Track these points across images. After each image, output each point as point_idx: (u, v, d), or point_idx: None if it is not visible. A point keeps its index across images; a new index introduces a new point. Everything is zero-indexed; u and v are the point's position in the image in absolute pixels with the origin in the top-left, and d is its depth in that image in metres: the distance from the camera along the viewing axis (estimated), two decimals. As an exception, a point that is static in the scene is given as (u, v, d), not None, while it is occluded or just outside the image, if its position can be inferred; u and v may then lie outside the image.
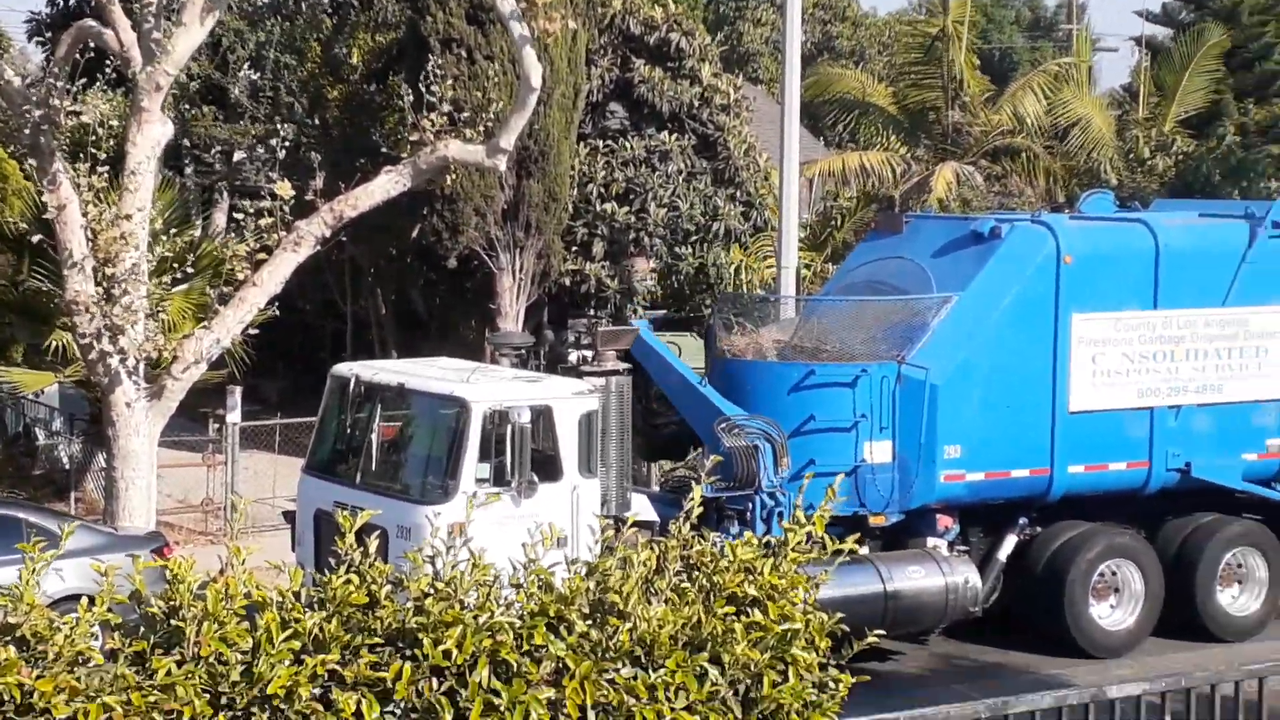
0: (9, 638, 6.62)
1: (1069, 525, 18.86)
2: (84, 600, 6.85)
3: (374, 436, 16.79)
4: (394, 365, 18.43)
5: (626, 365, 17.60)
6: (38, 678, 6.36)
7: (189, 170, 34.98)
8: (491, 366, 18.29)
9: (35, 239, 20.61)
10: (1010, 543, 18.78)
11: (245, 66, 34.86)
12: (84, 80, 20.02)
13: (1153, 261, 19.03)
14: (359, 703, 6.57)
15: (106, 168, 18.78)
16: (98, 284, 18.28)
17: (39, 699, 6.26)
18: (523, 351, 18.11)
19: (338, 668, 6.71)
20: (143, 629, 7.00)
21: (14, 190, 26.89)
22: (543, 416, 16.23)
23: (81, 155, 19.04)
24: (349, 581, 7.22)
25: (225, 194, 35.72)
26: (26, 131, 18.63)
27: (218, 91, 34.81)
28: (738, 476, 17.35)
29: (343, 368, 18.05)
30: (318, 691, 6.62)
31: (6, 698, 6.25)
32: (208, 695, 6.50)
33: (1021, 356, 18.40)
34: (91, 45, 19.03)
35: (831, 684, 7.55)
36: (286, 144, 27.45)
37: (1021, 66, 52.72)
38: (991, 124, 34.76)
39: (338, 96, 32.54)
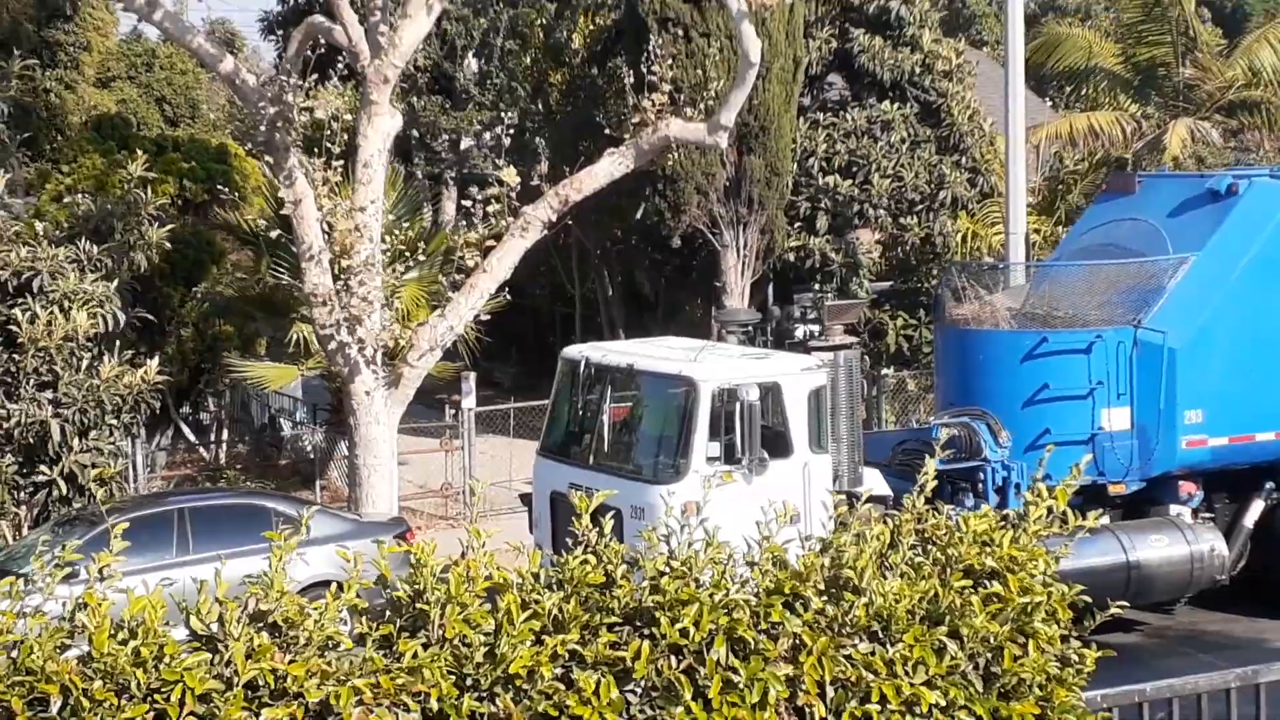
0: (261, 624, 6.82)
1: None
2: (332, 586, 7.03)
3: (605, 417, 16.87)
4: (623, 346, 18.55)
5: (854, 339, 17.47)
6: (290, 662, 6.54)
7: (418, 160, 35.65)
8: (719, 344, 18.26)
9: (274, 234, 21.18)
10: (1257, 509, 18.25)
11: (470, 55, 35.41)
12: (315, 76, 20.53)
13: None
14: (599, 682, 6.65)
15: (340, 162, 19.23)
16: (335, 276, 18.74)
17: (292, 683, 6.44)
18: (749, 328, 18.07)
19: (578, 647, 6.79)
20: (389, 613, 7.16)
21: (253, 188, 27.74)
22: (771, 393, 16.18)
23: (315, 150, 19.51)
24: (586, 562, 7.30)
25: (453, 182, 36.34)
26: (262, 129, 19.13)
27: (444, 81, 35.42)
28: (964, 450, 17.20)
29: (572, 350, 18.16)
30: (559, 671, 6.71)
31: (261, 682, 6.45)
32: (453, 677, 6.62)
33: (1263, 317, 17.88)
34: (321, 41, 19.47)
35: (1075, 657, 7.43)
36: (511, 130, 27.84)
37: (1255, 16, 51.02)
38: (1225, 78, 33.71)
39: (560, 81, 32.88)
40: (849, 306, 18.17)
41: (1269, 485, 18.22)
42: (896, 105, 29.97)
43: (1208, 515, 18.03)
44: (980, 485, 17.07)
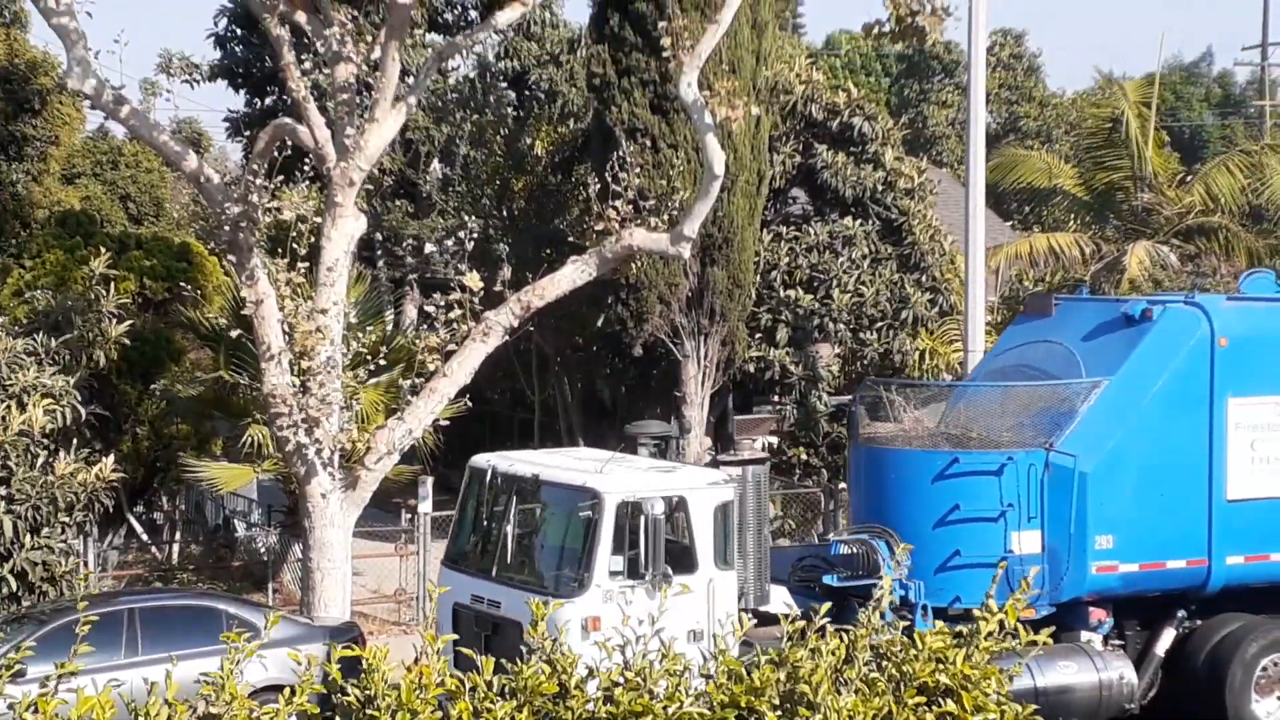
0: (210, 727, 6.76)
1: (1230, 618, 18.04)
2: (285, 690, 6.97)
3: (509, 528, 16.61)
4: (530, 456, 18.19)
5: (764, 454, 17.44)
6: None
7: (381, 263, 35.75)
8: (628, 457, 18.01)
9: (234, 334, 21.15)
10: (1168, 637, 18.09)
11: (434, 161, 35.62)
12: (281, 177, 20.59)
13: None
14: (551, 793, 6.59)
15: (304, 263, 19.24)
16: (294, 377, 18.69)
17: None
18: (660, 442, 17.96)
19: (529, 758, 6.74)
20: (338, 718, 7.10)
21: (214, 287, 27.72)
22: (678, 507, 15.99)
23: (279, 251, 19.53)
24: (540, 671, 7.27)
25: (415, 286, 36.42)
26: (226, 228, 19.14)
27: (409, 186, 35.61)
28: (862, 568, 17.12)
29: (480, 459, 17.87)
30: (509, 782, 6.66)
31: (208, 786, 6.38)
32: (402, 785, 6.57)
33: (1175, 443, 17.82)
34: (288, 143, 19.55)
35: (1028, 777, 7.41)
36: (474, 236, 27.91)
37: (1212, 144, 51.79)
38: (1184, 204, 34.16)
39: (523, 188, 33.08)
40: (758, 422, 18.24)
41: (1180, 614, 18.11)
42: (859, 221, 30.24)
43: (1118, 643, 17.83)
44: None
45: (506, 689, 7.23)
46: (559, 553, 16.59)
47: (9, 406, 18.46)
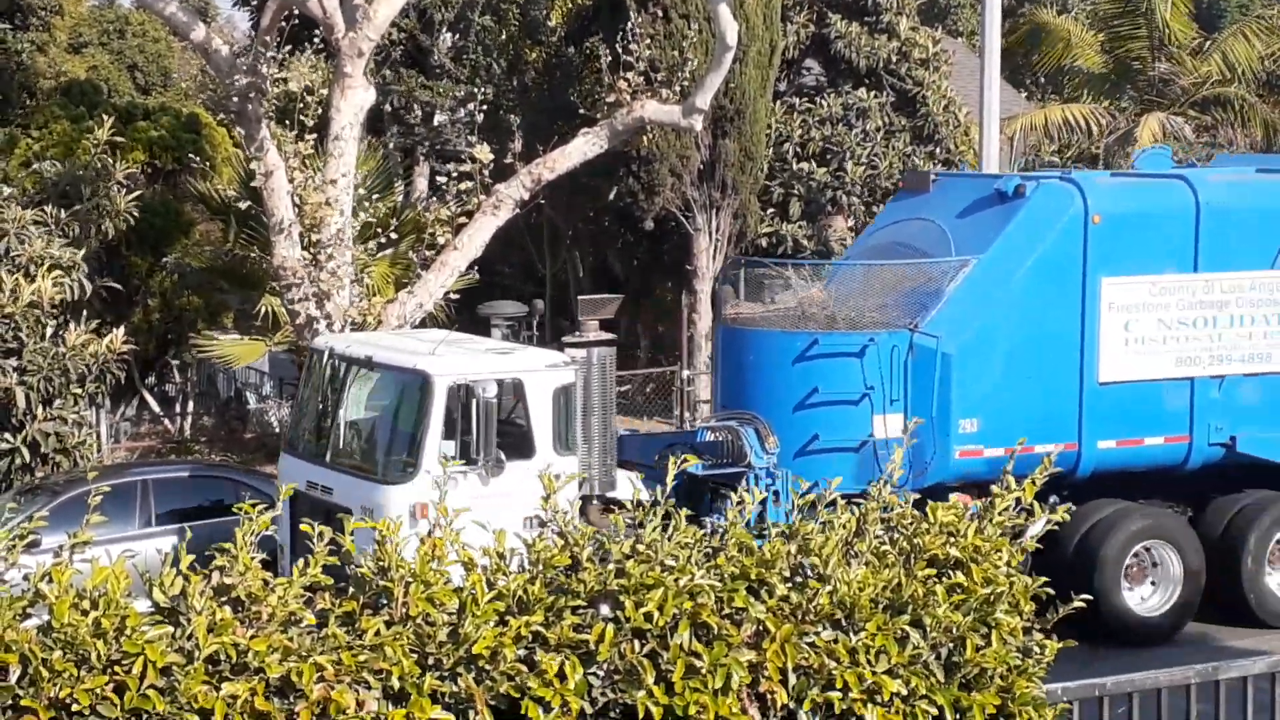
0: (225, 598, 6.79)
1: (1102, 504, 17.50)
2: (299, 561, 7.00)
3: (343, 413, 16.01)
4: (370, 337, 17.46)
5: (610, 335, 16.48)
6: (252, 637, 6.52)
7: (391, 134, 35.51)
8: (470, 338, 17.27)
9: (244, 206, 21.08)
10: (1039, 525, 17.77)
11: (446, 29, 35.28)
12: (289, 48, 20.39)
13: (1193, 220, 17.70)
14: (562, 664, 6.64)
15: (313, 135, 19.12)
16: (304, 249, 18.66)
17: (253, 658, 6.41)
18: (514, 322, 17.01)
19: (541, 629, 6.78)
20: (351, 589, 7.14)
21: (223, 158, 27.59)
22: (514, 391, 15.41)
23: (287, 122, 19.42)
24: (551, 543, 7.30)
25: (426, 158, 36.22)
26: (234, 99, 19.02)
27: (419, 55, 35.28)
28: (728, 456, 16.51)
29: (320, 340, 17.12)
30: (522, 653, 6.70)
31: (223, 657, 6.42)
32: (415, 655, 6.61)
33: (1045, 324, 17.21)
34: (296, 12, 19.36)
35: (1036, 649, 7.45)
36: (485, 106, 27.74)
37: (1230, 13, 51.20)
38: (1200, 73, 33.82)
39: (536, 59, 32.80)
40: (604, 301, 17.33)
41: (1051, 499, 17.72)
42: (872, 93, 29.99)
43: None
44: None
45: (523, 561, 7.27)
46: (390, 438, 15.91)
47: (18, 278, 18.45)
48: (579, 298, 17.31)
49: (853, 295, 17.35)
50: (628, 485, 15.47)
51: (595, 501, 15.71)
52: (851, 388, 16.62)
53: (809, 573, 7.34)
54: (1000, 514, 7.67)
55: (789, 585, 7.23)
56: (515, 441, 15.22)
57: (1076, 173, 18.89)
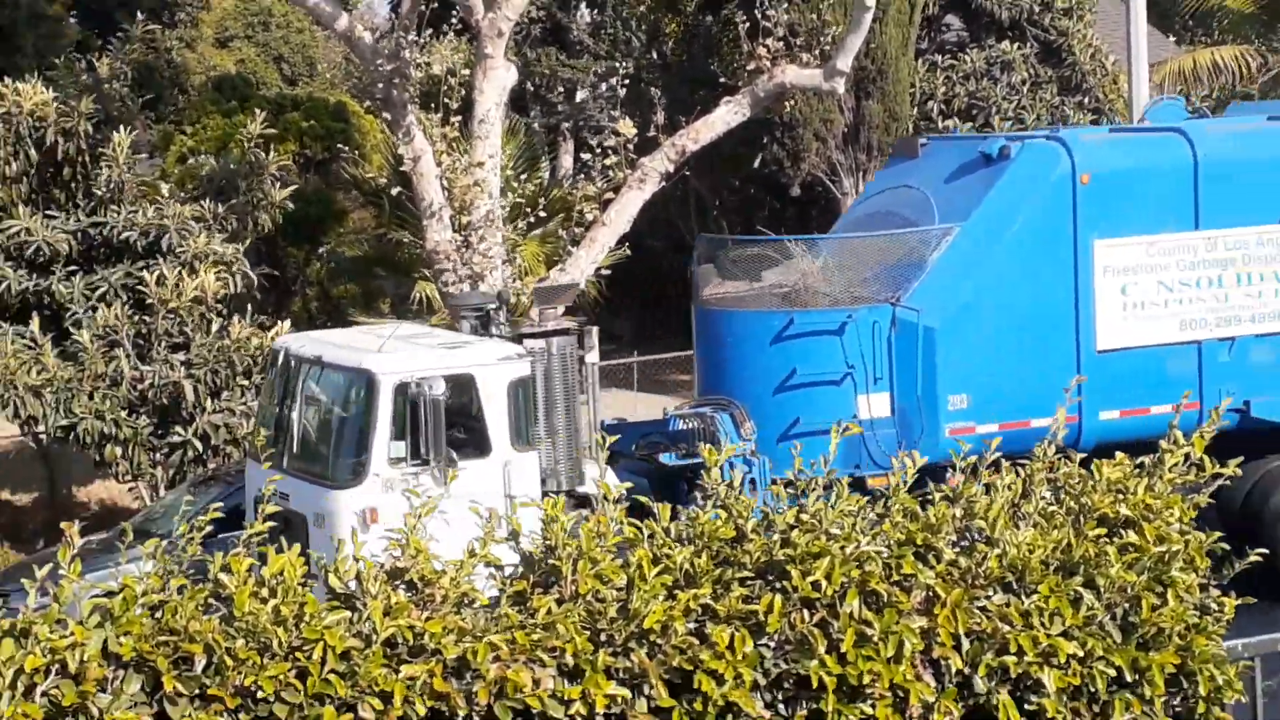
0: (399, 581, 6.91)
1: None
2: (469, 542, 7.10)
3: (295, 415, 15.37)
4: (322, 335, 16.76)
5: (571, 324, 15.84)
6: (427, 619, 6.62)
7: (534, 113, 35.72)
8: (431, 331, 16.70)
9: (394, 191, 21.34)
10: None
11: (584, 5, 35.37)
12: (430, 31, 20.56)
13: (1190, 175, 16.70)
14: (732, 636, 6.67)
15: (458, 117, 19.29)
16: (455, 232, 18.84)
17: (430, 640, 6.52)
18: (483, 312, 16.02)
19: (710, 602, 6.82)
20: (522, 569, 7.23)
21: (372, 145, 27.94)
22: (466, 386, 14.66)
23: (433, 106, 19.60)
24: (716, 517, 7.33)
25: (570, 135, 36.38)
26: (379, 86, 19.25)
27: (559, 32, 35.41)
28: (700, 444, 16.00)
29: (280, 340, 16.53)
30: (692, 626, 6.74)
31: (399, 640, 6.54)
32: (587, 632, 6.68)
33: (1034, 292, 16.26)
34: (436, -3, 19.52)
35: (1214, 606, 7.34)
36: (626, 81, 27.80)
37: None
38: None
39: (675, 29, 32.73)
40: (562, 289, 16.50)
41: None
42: (1016, 45, 29.56)
43: None
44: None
45: (684, 535, 7.31)
46: (339, 440, 15.26)
47: (181, 273, 18.85)
48: (534, 286, 16.60)
49: (835, 270, 16.38)
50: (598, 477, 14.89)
51: (561, 496, 14.64)
52: (832, 367, 15.83)
53: (976, 536, 7.31)
54: (1170, 470, 7.55)
55: (956, 550, 7.20)
56: (468, 439, 14.52)
57: (1064, 130, 17.88)
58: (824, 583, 6.83)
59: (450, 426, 14.20)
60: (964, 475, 7.78)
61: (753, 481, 15.23)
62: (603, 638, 6.69)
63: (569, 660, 6.55)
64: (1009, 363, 16.06)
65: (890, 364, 15.82)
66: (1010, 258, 16.27)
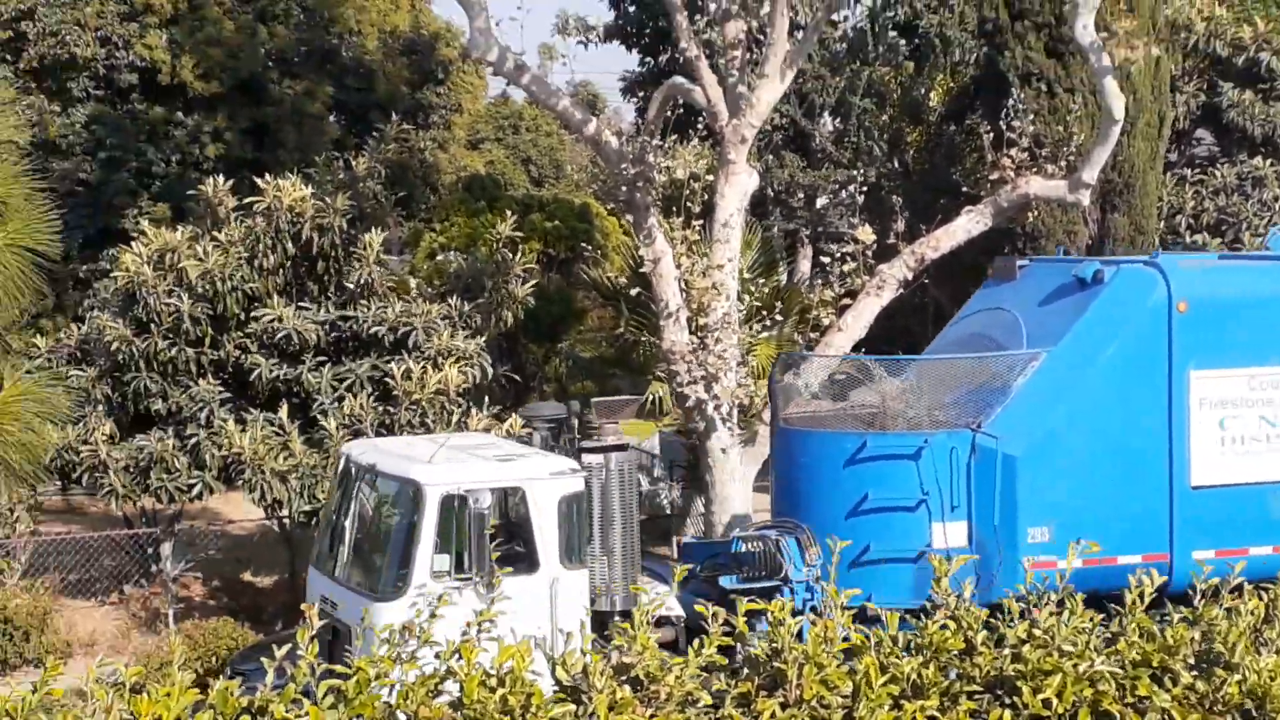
0: (624, 677, 6.97)
1: None
2: (695, 641, 7.13)
3: (349, 524, 15.23)
4: (382, 443, 16.50)
5: (628, 440, 15.48)
6: (650, 717, 6.66)
7: (773, 217, 35.92)
8: (495, 442, 16.34)
9: (634, 292, 21.62)
10: None
11: (827, 114, 35.56)
12: (674, 136, 20.85)
13: None
14: (959, 750, 6.59)
15: (699, 220, 19.51)
16: (691, 333, 19.01)
17: (653, 737, 6.57)
18: (556, 424, 15.81)
19: (937, 714, 6.74)
20: (745, 670, 7.23)
21: (613, 246, 28.39)
22: (516, 500, 14.52)
23: (674, 209, 19.86)
24: (945, 627, 7.26)
25: (808, 239, 36.48)
26: (623, 189, 19.58)
27: (800, 139, 35.63)
28: (763, 567, 15.24)
29: (346, 446, 16.37)
30: (918, 737, 6.68)
31: (623, 735, 6.59)
32: (811, 738, 6.66)
33: (1125, 422, 15.57)
34: (680, 102, 19.82)
35: None
36: (866, 188, 27.84)
37: None
38: None
39: (917, 138, 32.72)
40: (622, 404, 16.10)
41: None
42: (1269, 161, 28.92)
43: None
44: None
45: (911, 644, 7.25)
46: (386, 551, 15.00)
47: (425, 367, 19.32)
48: (593, 400, 16.31)
49: (915, 393, 15.95)
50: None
51: (617, 619, 14.21)
52: (906, 493, 15.31)
53: (1215, 661, 7.12)
54: None
55: (1194, 674, 7.02)
56: (518, 554, 14.30)
57: (1163, 256, 17.13)
58: (1055, 700, 6.72)
59: (498, 541, 14.00)
60: (1204, 598, 7.60)
61: (814, 609, 14.30)
62: (826, 744, 6.66)
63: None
64: (1095, 495, 15.40)
65: (969, 492, 15.29)
66: (1100, 386, 15.71)
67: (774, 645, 7.14)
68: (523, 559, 14.27)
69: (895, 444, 15.39)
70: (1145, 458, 15.67)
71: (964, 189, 27.06)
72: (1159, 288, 15.92)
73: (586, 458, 14.87)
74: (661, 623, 12.50)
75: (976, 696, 6.87)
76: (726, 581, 15.32)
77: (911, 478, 15.29)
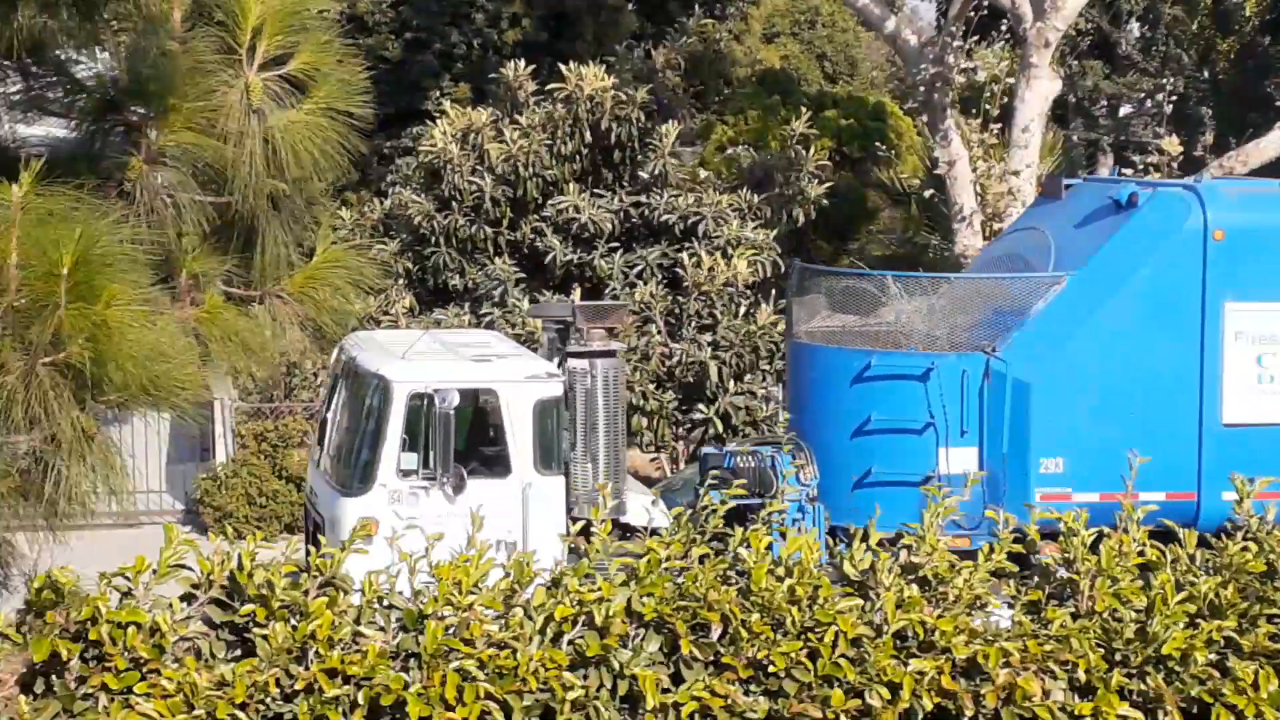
0: (912, 576, 6.99)
1: None
2: (984, 547, 7.12)
3: (331, 418, 14.97)
4: (372, 336, 16.11)
5: (619, 345, 14.78)
6: (939, 617, 6.67)
7: (1074, 125, 35.08)
8: (492, 339, 15.84)
9: (927, 194, 21.37)
10: None
11: (1133, 20, 34.49)
12: (975, 38, 20.47)
13: None
14: (1256, 673, 6.45)
15: (997, 125, 19.18)
16: (986, 239, 18.76)
17: (940, 638, 6.57)
18: (563, 324, 14.98)
19: (1234, 635, 6.62)
20: (1036, 579, 7.20)
21: (907, 147, 28.02)
22: (488, 403, 14.05)
23: (972, 112, 19.55)
24: (1245, 549, 7.12)
25: (1110, 149, 35.56)
26: (920, 89, 19.34)
27: (1106, 46, 34.64)
28: (756, 483, 14.56)
29: (348, 336, 15.76)
30: (1213, 657, 6.56)
31: (909, 633, 6.61)
32: (1102, 650, 6.59)
33: (1152, 354, 14.57)
34: (984, 2, 19.44)
35: None
36: (1174, 98, 26.99)
37: None
38: None
39: (1228, 49, 31.58)
40: (610, 309, 15.11)
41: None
42: None
43: None
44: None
45: (1210, 564, 7.13)
46: (357, 447, 14.64)
47: (715, 258, 19.42)
48: (577, 304, 15.78)
49: (939, 313, 15.21)
50: (639, 509, 13.91)
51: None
52: (912, 415, 14.65)
53: None
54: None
55: None
56: (491, 457, 14.04)
57: (1205, 182, 15.85)
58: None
59: (471, 443, 13.84)
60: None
61: (802, 529, 14.07)
62: (1117, 657, 6.59)
63: (1081, 675, 6.48)
64: (1116, 427, 14.52)
65: (981, 418, 14.58)
66: (1125, 315, 14.80)
67: (1066, 555, 7.10)
68: (496, 462, 14.04)
69: (901, 363, 14.82)
70: (1172, 392, 14.83)
71: (1277, 103, 26.07)
72: (1194, 214, 14.92)
73: (571, 362, 14.48)
74: (628, 530, 12.45)
75: (1277, 620, 6.72)
76: (715, 496, 15.03)
77: (919, 400, 14.72)
